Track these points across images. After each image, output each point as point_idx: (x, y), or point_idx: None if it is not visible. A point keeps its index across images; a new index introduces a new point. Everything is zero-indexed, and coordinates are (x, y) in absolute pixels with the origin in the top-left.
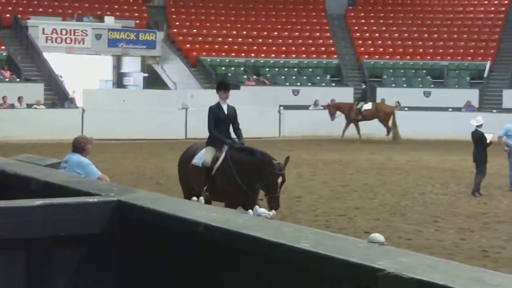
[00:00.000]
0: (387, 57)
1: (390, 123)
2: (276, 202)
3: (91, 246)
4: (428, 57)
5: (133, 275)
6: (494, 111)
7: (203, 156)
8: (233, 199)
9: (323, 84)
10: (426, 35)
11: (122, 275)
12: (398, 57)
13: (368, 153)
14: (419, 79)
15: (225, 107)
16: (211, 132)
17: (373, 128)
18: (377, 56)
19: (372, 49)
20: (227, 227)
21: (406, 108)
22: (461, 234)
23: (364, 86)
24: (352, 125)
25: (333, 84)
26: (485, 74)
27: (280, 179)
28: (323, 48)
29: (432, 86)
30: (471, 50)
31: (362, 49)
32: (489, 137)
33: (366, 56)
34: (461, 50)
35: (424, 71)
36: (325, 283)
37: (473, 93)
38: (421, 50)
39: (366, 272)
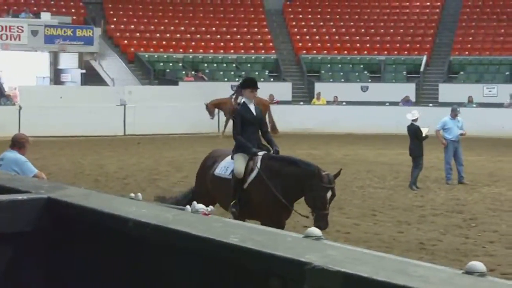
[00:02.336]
0: (325, 52)
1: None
2: (325, 220)
3: (20, 244)
4: (365, 52)
5: (63, 273)
6: (431, 105)
7: (230, 165)
8: (274, 216)
9: (262, 79)
10: (363, 30)
11: (52, 273)
12: (336, 52)
13: (307, 148)
14: (357, 74)
15: (252, 108)
16: (236, 139)
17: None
18: (315, 51)
19: (310, 44)
20: (156, 223)
21: (344, 103)
22: (398, 227)
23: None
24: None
25: (272, 79)
26: (422, 69)
27: (329, 194)
28: (261, 44)
29: (370, 80)
30: (408, 45)
31: (300, 44)
32: (425, 131)
33: (304, 51)
34: (398, 45)
35: (362, 66)
36: (254, 277)
37: (409, 87)
38: (358, 45)
39: (293, 266)
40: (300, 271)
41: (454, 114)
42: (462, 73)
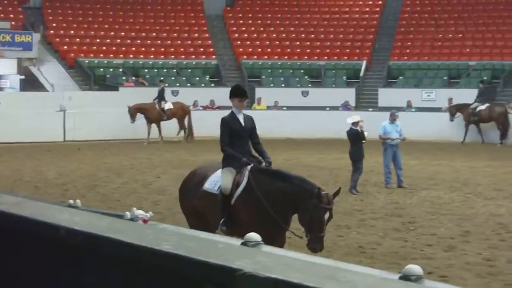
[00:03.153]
0: (266, 57)
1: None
2: (320, 243)
3: None
4: (306, 57)
5: None
6: (370, 109)
7: (219, 180)
8: (263, 235)
9: (202, 85)
10: (303, 35)
11: None
12: (276, 57)
13: None
14: (297, 79)
15: (241, 118)
16: (224, 150)
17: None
18: (255, 57)
19: (250, 49)
20: (89, 231)
21: (285, 108)
22: (338, 231)
23: (162, 86)
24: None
25: (212, 85)
26: (361, 74)
27: (327, 215)
28: (201, 49)
29: (310, 85)
30: (347, 50)
31: (241, 49)
32: (365, 135)
33: (245, 57)
34: (338, 50)
35: (302, 71)
36: (186, 284)
37: (349, 92)
38: (298, 50)
39: (224, 272)
40: (231, 278)
41: (392, 119)
42: (401, 78)
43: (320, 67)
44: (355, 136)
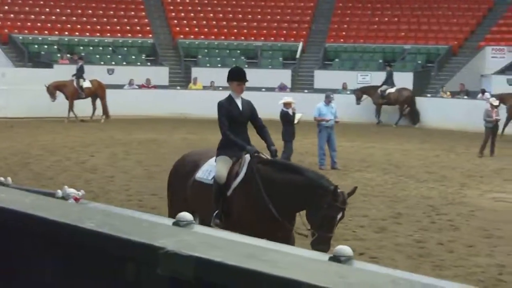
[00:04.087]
0: (202, 37)
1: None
2: (328, 244)
3: None
4: (242, 38)
5: None
6: (306, 91)
7: (213, 169)
8: (259, 231)
9: (138, 64)
10: (240, 16)
11: None
12: (213, 37)
13: (184, 133)
14: (234, 59)
15: (239, 103)
16: (226, 135)
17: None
18: (192, 36)
19: (187, 29)
20: (13, 208)
21: (221, 88)
22: None
23: (80, 63)
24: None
25: (148, 64)
26: (298, 55)
27: (340, 215)
28: (138, 27)
29: (246, 66)
30: (284, 31)
31: (178, 28)
32: (297, 116)
33: (181, 36)
34: (275, 31)
35: (239, 51)
36: (110, 262)
37: (286, 73)
38: (235, 30)
39: (148, 250)
40: (153, 256)
41: (328, 101)
42: (337, 60)
43: (256, 48)
44: (286, 117)
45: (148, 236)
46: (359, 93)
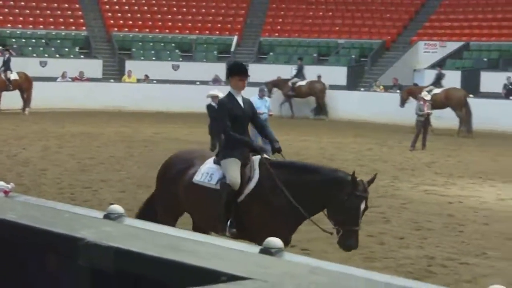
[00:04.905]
0: (137, 30)
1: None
2: (356, 239)
3: None
4: (177, 31)
5: None
6: None
7: (216, 172)
8: (282, 233)
9: (72, 56)
10: (175, 9)
11: None
12: (147, 30)
13: (117, 126)
14: (168, 53)
15: (240, 100)
16: (229, 135)
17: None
18: (126, 29)
19: (121, 21)
20: None
21: (155, 81)
22: None
23: (7, 55)
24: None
25: (82, 56)
26: (232, 49)
27: (363, 205)
28: (71, 20)
29: (181, 59)
30: (219, 25)
31: (112, 21)
32: None
33: (116, 29)
34: (209, 25)
35: (173, 44)
36: (30, 254)
37: (220, 67)
38: (170, 23)
39: (67, 241)
40: (74, 247)
41: (261, 94)
42: (271, 54)
43: (191, 41)
44: (214, 111)
45: (69, 227)
46: (270, 86)
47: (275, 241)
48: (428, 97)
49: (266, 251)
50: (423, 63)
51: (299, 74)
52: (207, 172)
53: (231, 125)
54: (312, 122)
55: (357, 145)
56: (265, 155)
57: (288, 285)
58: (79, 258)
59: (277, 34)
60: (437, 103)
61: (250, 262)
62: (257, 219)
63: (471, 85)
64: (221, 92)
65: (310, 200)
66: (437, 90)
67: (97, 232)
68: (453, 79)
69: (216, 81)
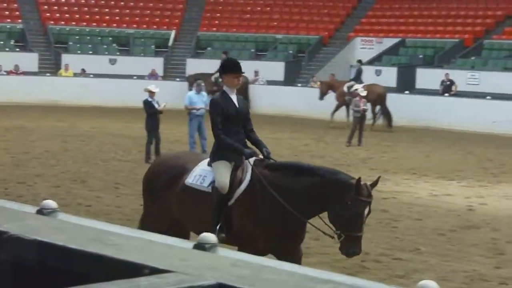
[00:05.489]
0: (73, 23)
1: None
2: (359, 245)
3: None
4: (115, 25)
5: None
6: (178, 79)
7: (209, 174)
8: (277, 243)
9: (7, 49)
10: (113, 2)
11: None
12: (85, 23)
13: (53, 120)
14: (105, 46)
15: (234, 99)
16: (220, 139)
17: None
18: (63, 22)
19: (58, 14)
20: None
21: (92, 75)
22: (141, 200)
23: None
24: None
25: (17, 49)
26: (170, 43)
27: (366, 210)
28: (7, 12)
29: (118, 53)
30: (157, 19)
31: (48, 14)
32: (162, 105)
33: (52, 22)
34: (147, 19)
35: (110, 38)
36: None
37: (158, 61)
38: (107, 17)
39: None
40: None
41: (198, 89)
42: (209, 48)
43: (128, 35)
44: (150, 107)
45: None
46: (192, 79)
47: (208, 237)
48: (364, 93)
49: (200, 246)
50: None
51: None
52: (199, 174)
53: (225, 124)
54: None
55: (294, 140)
56: (260, 157)
57: (209, 278)
58: (2, 251)
59: (215, 29)
60: None
61: (174, 256)
62: (247, 224)
63: (406, 81)
64: (158, 87)
65: (307, 203)
66: (358, 86)
67: (21, 225)
68: (389, 75)
69: (153, 75)
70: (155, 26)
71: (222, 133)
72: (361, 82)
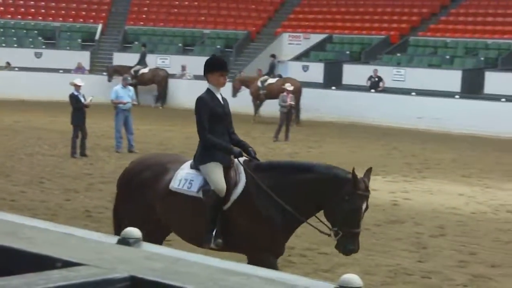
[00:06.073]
0: None
1: None
2: (357, 242)
3: None
4: (40, 18)
5: None
6: (105, 73)
7: (196, 179)
8: (275, 243)
9: None
10: None
11: None
12: (9, 16)
13: None
14: (31, 40)
15: (220, 98)
16: (206, 140)
17: None
18: None
19: None
20: None
21: (17, 69)
22: (66, 195)
23: None
24: None
25: None
26: (97, 37)
27: (364, 205)
28: None
29: (44, 47)
30: (84, 13)
31: None
32: (88, 99)
33: None
34: (74, 12)
35: (36, 31)
36: None
37: (84, 55)
38: (33, 10)
39: None
40: None
41: (125, 83)
42: (136, 43)
43: (54, 29)
44: (76, 100)
45: None
46: (111, 71)
47: (132, 231)
48: (291, 88)
49: (124, 241)
50: (287, 55)
51: (142, 61)
52: (185, 179)
53: (212, 124)
54: (180, 113)
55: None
56: (245, 157)
57: (121, 271)
58: None
59: (142, 23)
60: (274, 92)
61: (88, 249)
62: (246, 227)
63: (333, 77)
64: (84, 80)
65: (304, 202)
66: (272, 80)
67: None
68: (316, 71)
69: (79, 69)
70: (81, 20)
71: (208, 133)
72: (274, 77)
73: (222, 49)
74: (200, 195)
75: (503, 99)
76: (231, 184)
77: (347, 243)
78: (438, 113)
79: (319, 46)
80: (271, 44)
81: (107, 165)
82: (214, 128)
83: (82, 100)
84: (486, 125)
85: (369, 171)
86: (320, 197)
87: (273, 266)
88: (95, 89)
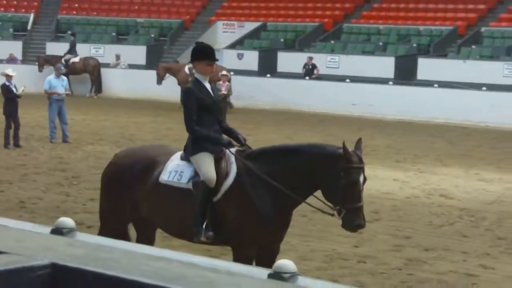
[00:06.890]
0: None
1: None
2: (362, 216)
3: None
4: None
5: None
6: (36, 63)
7: (186, 170)
8: (271, 233)
9: None
10: None
11: None
12: None
13: None
14: None
15: (209, 87)
16: (194, 132)
17: None
18: None
19: None
20: None
21: None
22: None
23: None
24: None
25: None
26: (29, 27)
27: (361, 177)
28: None
29: None
30: (14, 2)
31: None
32: (20, 89)
33: None
34: (5, 2)
35: None
36: None
37: (16, 45)
38: None
39: None
40: None
41: (58, 73)
42: (69, 32)
43: None
44: (8, 91)
45: None
46: (42, 61)
47: (66, 221)
48: (225, 73)
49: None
50: (222, 43)
51: (72, 50)
52: (175, 170)
53: (201, 115)
54: (115, 102)
55: (156, 124)
56: (238, 148)
57: (42, 258)
58: None
59: (75, 12)
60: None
61: (9, 237)
62: (237, 219)
63: (268, 65)
64: (16, 70)
65: (299, 183)
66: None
67: None
68: (251, 59)
69: (11, 60)
70: (13, 9)
71: (195, 125)
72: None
73: (156, 38)
74: (190, 186)
75: (436, 85)
76: (221, 175)
77: (353, 219)
78: (372, 100)
79: (253, 34)
80: (205, 33)
81: (41, 156)
82: (203, 119)
83: (14, 90)
84: (419, 111)
85: (359, 142)
86: (315, 177)
87: (251, 262)
88: (27, 79)
